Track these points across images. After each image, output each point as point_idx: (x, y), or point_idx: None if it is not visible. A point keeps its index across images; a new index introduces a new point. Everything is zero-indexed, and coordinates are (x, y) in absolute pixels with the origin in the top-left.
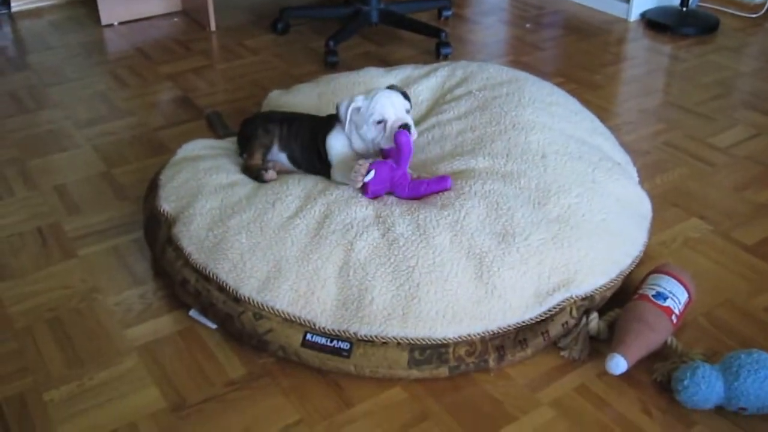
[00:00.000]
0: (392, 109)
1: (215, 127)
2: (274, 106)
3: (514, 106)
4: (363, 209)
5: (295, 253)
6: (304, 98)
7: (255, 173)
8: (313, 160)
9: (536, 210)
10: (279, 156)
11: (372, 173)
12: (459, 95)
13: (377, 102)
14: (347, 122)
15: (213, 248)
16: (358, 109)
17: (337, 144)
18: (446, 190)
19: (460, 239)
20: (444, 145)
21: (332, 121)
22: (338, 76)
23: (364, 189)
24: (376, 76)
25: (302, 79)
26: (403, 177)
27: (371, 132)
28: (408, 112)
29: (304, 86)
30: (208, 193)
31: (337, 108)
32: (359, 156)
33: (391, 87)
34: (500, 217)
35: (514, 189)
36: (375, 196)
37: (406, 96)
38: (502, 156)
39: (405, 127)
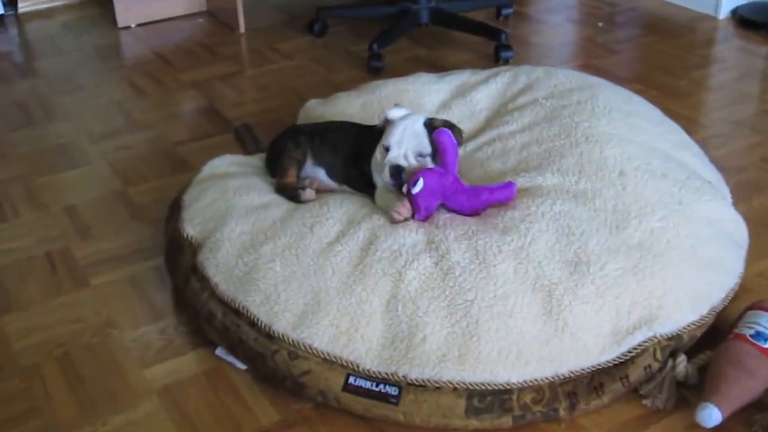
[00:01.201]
0: (407, 140)
1: (245, 142)
2: (311, 117)
3: (586, 117)
4: (413, 234)
5: (336, 284)
6: (346, 108)
7: (291, 192)
8: (355, 177)
9: (614, 235)
10: (316, 171)
11: (420, 183)
12: (523, 104)
13: (394, 131)
14: (378, 163)
15: (243, 278)
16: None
17: (377, 176)
18: (510, 199)
19: (525, 268)
20: (506, 161)
21: (380, 133)
22: (384, 83)
23: (414, 206)
24: (427, 83)
25: (343, 87)
26: (456, 183)
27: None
28: (423, 155)
29: (345, 95)
30: (237, 216)
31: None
32: None
33: (435, 118)
34: (572, 244)
35: (587, 211)
36: (428, 215)
37: (451, 127)
38: (574, 173)
39: (398, 170)
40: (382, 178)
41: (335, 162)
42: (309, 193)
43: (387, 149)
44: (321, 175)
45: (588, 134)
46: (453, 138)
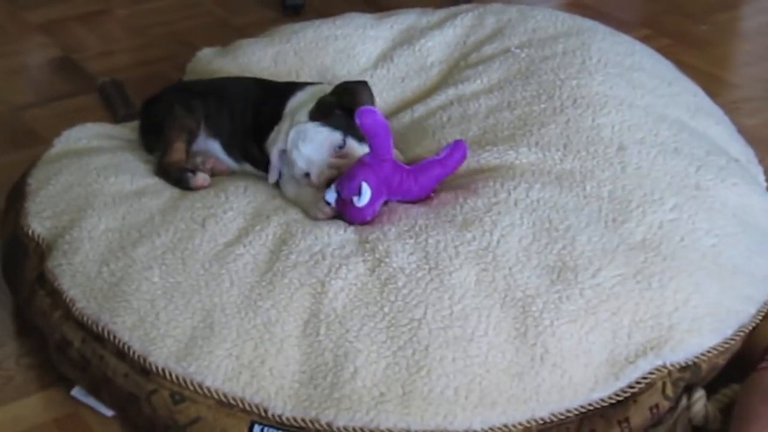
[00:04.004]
0: (317, 155)
1: (113, 105)
2: (204, 73)
3: (575, 72)
4: (341, 231)
5: (236, 299)
6: (252, 61)
7: (177, 175)
8: (259, 155)
9: (610, 231)
10: (209, 146)
11: (367, 191)
12: (490, 55)
13: (293, 153)
14: (275, 170)
15: (109, 292)
16: (284, 151)
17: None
18: (463, 160)
19: (491, 277)
20: (467, 130)
21: (288, 95)
22: (304, 26)
23: (352, 216)
24: (360, 28)
25: (248, 33)
26: (397, 169)
27: (305, 182)
28: (342, 147)
29: (251, 43)
30: (102, 207)
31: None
32: None
33: (321, 102)
34: (554, 243)
35: (575, 198)
36: (372, 219)
37: (353, 93)
38: (558, 147)
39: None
40: (291, 171)
41: (233, 133)
42: (202, 177)
43: (308, 174)
44: (216, 150)
45: (576, 96)
46: (379, 116)
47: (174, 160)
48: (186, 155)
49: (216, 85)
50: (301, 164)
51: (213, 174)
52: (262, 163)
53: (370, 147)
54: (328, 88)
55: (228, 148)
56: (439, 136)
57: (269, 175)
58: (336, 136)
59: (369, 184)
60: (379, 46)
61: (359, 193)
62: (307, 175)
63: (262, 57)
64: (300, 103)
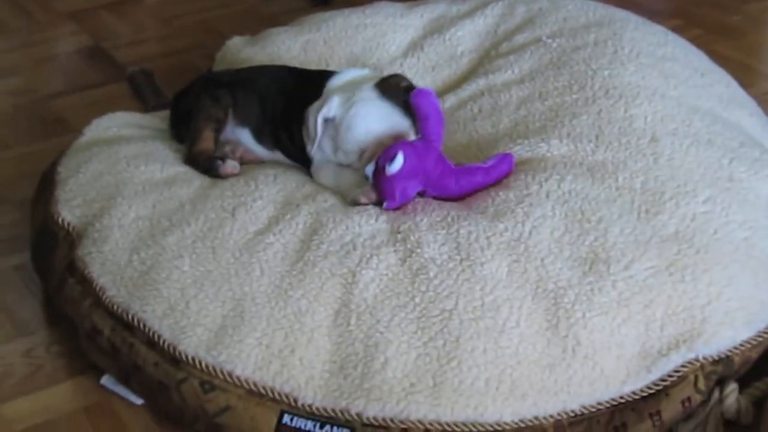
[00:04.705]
0: (377, 129)
1: (143, 95)
2: (234, 62)
3: (607, 62)
4: (372, 221)
5: (267, 288)
6: (281, 50)
7: (206, 163)
8: (290, 143)
9: (642, 223)
10: (238, 134)
11: (400, 159)
12: (521, 45)
13: (353, 124)
14: (317, 140)
15: (139, 280)
16: (332, 120)
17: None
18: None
19: (523, 268)
20: (498, 122)
21: (322, 82)
22: (333, 15)
23: (384, 191)
24: (390, 16)
25: (278, 21)
26: (441, 163)
27: (351, 159)
28: (402, 129)
29: (281, 32)
30: (132, 195)
31: (306, 119)
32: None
33: (387, 80)
34: (586, 234)
35: (607, 190)
36: (402, 204)
37: (409, 90)
38: (590, 138)
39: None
40: (335, 146)
41: (263, 121)
42: (231, 165)
43: (362, 152)
44: (246, 139)
45: (608, 86)
46: (435, 100)
47: (203, 148)
48: (215, 144)
49: (245, 74)
50: (357, 136)
51: (242, 163)
52: (292, 152)
53: (420, 129)
54: (368, 74)
55: (258, 136)
56: (470, 129)
57: (308, 145)
58: (398, 115)
59: (406, 157)
60: (409, 35)
61: (392, 160)
62: (356, 152)
63: (292, 46)
64: (340, 86)
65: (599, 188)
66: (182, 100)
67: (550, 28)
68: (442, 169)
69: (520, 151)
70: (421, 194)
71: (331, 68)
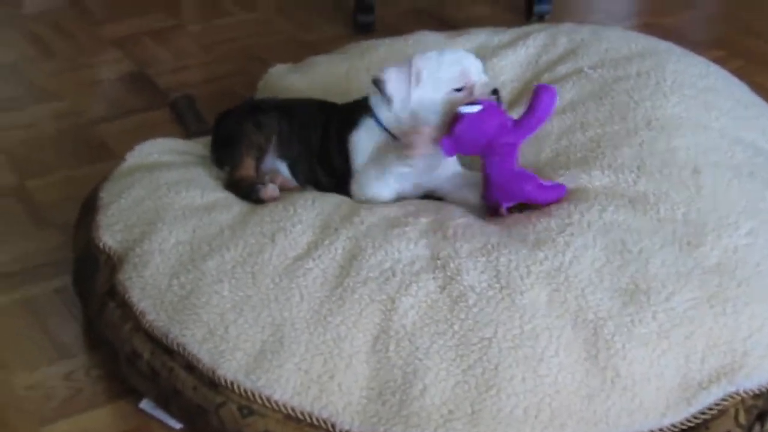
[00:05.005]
0: (475, 70)
1: (185, 121)
2: (276, 90)
3: (649, 94)
4: (411, 246)
5: (306, 314)
6: (324, 77)
7: (246, 189)
8: (324, 179)
9: (684, 254)
10: (277, 165)
11: (474, 108)
12: (563, 76)
13: (456, 60)
14: (412, 88)
15: (179, 305)
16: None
17: (367, 141)
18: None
19: (563, 297)
20: (539, 152)
21: (359, 110)
22: (376, 44)
23: (450, 132)
24: (433, 45)
25: (320, 49)
26: (511, 147)
27: (435, 106)
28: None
29: (324, 59)
30: (172, 220)
31: (378, 80)
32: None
33: None
34: (627, 265)
35: (649, 221)
36: (456, 151)
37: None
38: (631, 169)
39: (496, 93)
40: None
41: (300, 155)
42: (272, 189)
43: (462, 88)
44: (283, 171)
45: (651, 117)
46: (554, 101)
47: (244, 175)
48: (256, 172)
49: (286, 105)
50: (462, 71)
51: (281, 190)
52: (327, 188)
53: (524, 122)
54: None
55: (294, 171)
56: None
57: (393, 100)
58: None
59: (484, 111)
60: None
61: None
62: (459, 90)
63: (334, 73)
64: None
65: (641, 219)
66: (224, 124)
67: (592, 59)
68: (504, 157)
69: (561, 181)
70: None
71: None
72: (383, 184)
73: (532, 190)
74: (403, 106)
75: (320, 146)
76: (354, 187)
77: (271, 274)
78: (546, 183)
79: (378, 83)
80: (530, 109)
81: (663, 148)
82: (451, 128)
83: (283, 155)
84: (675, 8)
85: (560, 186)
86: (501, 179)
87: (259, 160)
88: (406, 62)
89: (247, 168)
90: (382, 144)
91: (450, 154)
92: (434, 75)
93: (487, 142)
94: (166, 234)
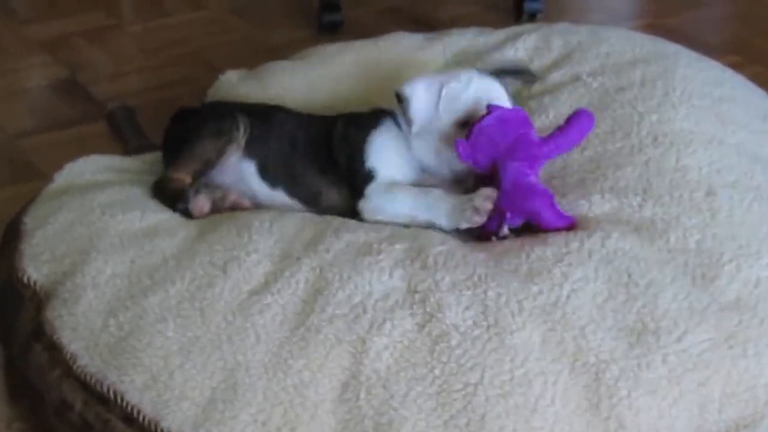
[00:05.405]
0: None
1: (123, 135)
2: (228, 99)
3: (655, 105)
4: (385, 277)
5: (264, 356)
6: (284, 86)
7: (174, 193)
8: (296, 168)
9: (698, 288)
10: (243, 167)
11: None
12: (557, 84)
13: (485, 89)
14: (432, 110)
15: (116, 347)
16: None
17: (390, 147)
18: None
19: (560, 337)
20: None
21: (378, 112)
22: (342, 49)
23: (469, 132)
24: (409, 49)
25: (280, 53)
26: (533, 159)
27: (433, 141)
28: None
29: (284, 66)
30: (108, 249)
31: (402, 97)
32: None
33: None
34: (634, 300)
35: (657, 251)
36: (471, 158)
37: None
38: (636, 192)
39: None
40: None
41: (279, 152)
42: (200, 202)
43: (467, 123)
44: (248, 174)
45: (657, 132)
46: (590, 126)
47: (176, 177)
48: (193, 178)
49: (265, 109)
50: (467, 103)
51: (232, 208)
52: (333, 203)
53: (556, 140)
54: None
55: (264, 171)
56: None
57: (414, 121)
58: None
59: (500, 120)
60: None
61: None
62: (464, 125)
63: (296, 84)
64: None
65: (648, 248)
66: (184, 121)
67: (591, 65)
68: (523, 170)
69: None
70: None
71: (338, 111)
72: (398, 203)
73: (542, 206)
74: (421, 130)
75: (326, 157)
76: (365, 201)
77: (223, 311)
78: (558, 213)
79: (401, 100)
80: (564, 127)
81: (672, 167)
82: (470, 130)
83: (252, 154)
84: (683, 7)
85: (571, 217)
86: (513, 186)
87: (205, 167)
88: (435, 82)
89: (184, 172)
90: (402, 151)
91: (466, 158)
92: (453, 104)
93: (506, 148)
94: (100, 265)
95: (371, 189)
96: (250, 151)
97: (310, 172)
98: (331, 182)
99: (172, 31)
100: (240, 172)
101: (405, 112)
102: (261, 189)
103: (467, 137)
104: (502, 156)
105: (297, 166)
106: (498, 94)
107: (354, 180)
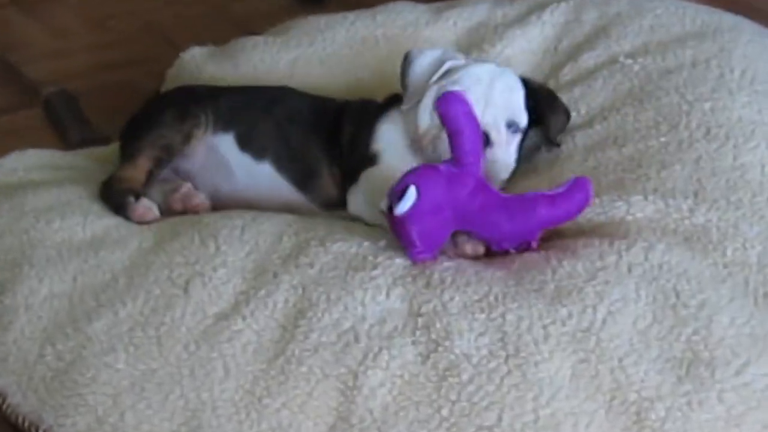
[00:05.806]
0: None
1: (63, 124)
2: (192, 81)
3: (709, 91)
4: (382, 297)
5: (234, 394)
6: (259, 67)
7: (118, 195)
8: (313, 152)
9: (761, 310)
10: (217, 142)
11: (412, 194)
12: (590, 69)
13: (476, 78)
14: (430, 81)
15: (55, 383)
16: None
17: (398, 133)
18: (581, 211)
19: (594, 370)
20: (558, 176)
21: (389, 103)
22: (332, 23)
23: (402, 236)
24: (412, 24)
25: (251, 26)
26: (483, 191)
27: (425, 118)
28: (512, 126)
29: (260, 43)
30: (44, 263)
31: (409, 59)
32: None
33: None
34: (683, 325)
35: (712, 265)
36: (433, 252)
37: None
38: (686, 195)
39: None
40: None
41: (299, 146)
42: (144, 206)
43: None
44: (225, 147)
45: (711, 124)
46: (470, 108)
47: (129, 176)
48: (148, 175)
49: (236, 90)
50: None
51: (185, 209)
52: (301, 165)
53: (451, 147)
54: None
55: (245, 139)
56: (521, 188)
57: (407, 89)
58: (521, 109)
59: (420, 190)
60: (437, 53)
61: (401, 197)
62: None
63: (274, 64)
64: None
65: (701, 262)
66: (144, 110)
67: (631, 43)
68: (484, 200)
69: (589, 213)
70: (456, 235)
71: (328, 95)
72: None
73: (546, 212)
74: (408, 100)
75: (328, 140)
76: (359, 190)
77: (184, 339)
78: (557, 191)
79: (406, 62)
80: (450, 133)
81: (728, 165)
82: (399, 236)
83: (229, 126)
84: None
85: (577, 181)
86: (506, 234)
87: (161, 162)
88: (439, 54)
89: (138, 168)
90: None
91: (419, 255)
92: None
93: (455, 223)
94: (34, 283)
95: (367, 174)
96: (225, 123)
97: (308, 147)
98: (328, 163)
99: (125, 1)
100: (214, 147)
101: (401, 77)
102: (241, 162)
103: (406, 243)
104: (465, 225)
105: (293, 139)
106: (492, 88)
107: (353, 162)
